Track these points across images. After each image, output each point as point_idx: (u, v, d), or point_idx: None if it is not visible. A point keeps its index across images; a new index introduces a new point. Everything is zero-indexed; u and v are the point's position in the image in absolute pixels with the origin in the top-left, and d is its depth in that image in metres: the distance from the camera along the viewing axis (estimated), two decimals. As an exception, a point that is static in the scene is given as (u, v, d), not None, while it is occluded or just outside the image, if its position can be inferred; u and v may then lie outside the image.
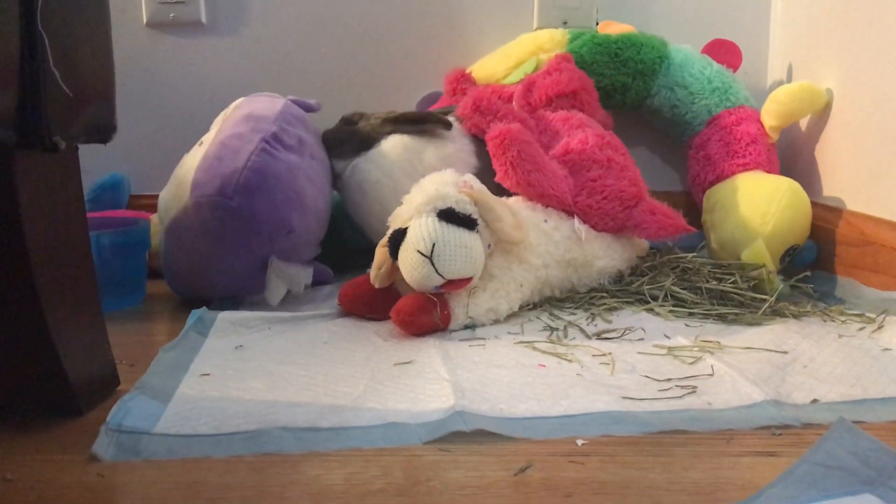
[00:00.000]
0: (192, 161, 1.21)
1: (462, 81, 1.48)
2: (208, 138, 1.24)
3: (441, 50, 1.62)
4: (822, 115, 1.43)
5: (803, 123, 1.52)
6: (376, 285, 1.11)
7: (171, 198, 1.21)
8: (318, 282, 1.31)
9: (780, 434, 0.75)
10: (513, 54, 1.52)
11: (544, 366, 0.93)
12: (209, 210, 1.13)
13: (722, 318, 1.11)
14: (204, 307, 1.13)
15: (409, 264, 1.03)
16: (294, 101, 1.32)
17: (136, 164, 1.53)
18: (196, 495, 0.64)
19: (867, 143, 1.30)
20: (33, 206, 0.72)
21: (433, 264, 1.01)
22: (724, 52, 1.52)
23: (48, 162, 0.73)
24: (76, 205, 0.79)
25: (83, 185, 0.81)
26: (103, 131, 0.78)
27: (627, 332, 1.05)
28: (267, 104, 1.27)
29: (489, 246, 1.09)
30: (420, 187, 1.09)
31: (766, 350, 0.96)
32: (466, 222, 1.04)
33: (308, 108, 1.34)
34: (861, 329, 1.05)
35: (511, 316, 1.13)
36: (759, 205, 1.30)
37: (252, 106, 1.27)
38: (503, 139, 1.20)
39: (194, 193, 1.15)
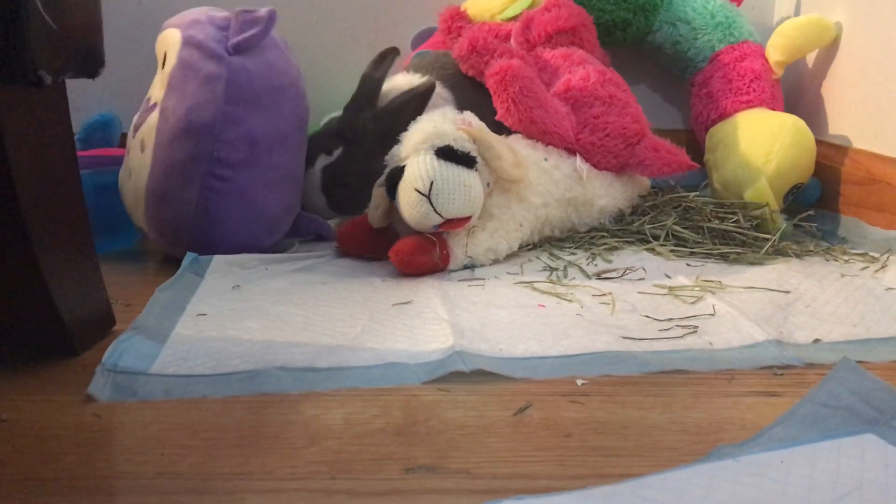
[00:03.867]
0: (138, 159, 1.11)
1: (457, 20, 1.44)
2: (155, 96, 1.13)
3: (438, -17, 1.57)
4: (830, 50, 1.40)
5: (810, 59, 1.49)
6: (374, 225, 1.10)
7: (132, 201, 1.14)
8: (319, 237, 1.25)
9: (782, 374, 0.74)
10: (510, -12, 1.48)
11: (544, 306, 0.92)
12: (170, 248, 1.13)
13: (724, 258, 1.10)
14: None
15: (407, 203, 1.01)
16: (239, 28, 1.10)
17: (128, 103, 1.50)
18: (193, 435, 0.63)
19: (876, 79, 1.28)
20: (20, 143, 0.70)
21: (431, 203, 1.00)
22: (728, -16, 1.48)
23: (33, 97, 0.71)
24: (65, 142, 0.77)
25: (74, 125, 0.79)
26: (90, 65, 0.75)
27: (628, 271, 1.04)
28: (204, 86, 1.07)
29: (488, 184, 1.07)
30: (418, 125, 1.07)
31: (769, 290, 0.96)
32: (465, 160, 1.02)
33: (254, 40, 1.09)
34: (864, 268, 1.04)
35: (510, 256, 1.12)
36: (762, 143, 1.28)
37: (186, 95, 1.07)
38: (504, 75, 1.17)
39: (151, 233, 1.12)
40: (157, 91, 1.13)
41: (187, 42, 1.10)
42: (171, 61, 1.10)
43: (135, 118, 1.18)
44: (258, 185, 1.11)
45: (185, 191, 1.07)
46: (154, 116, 1.10)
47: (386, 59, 1.30)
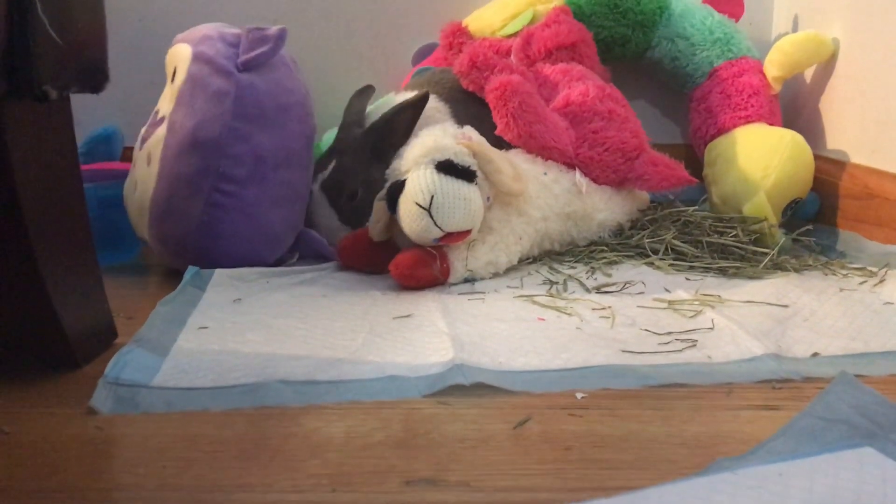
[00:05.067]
0: (144, 171, 1.12)
1: (458, 35, 1.45)
2: (164, 109, 1.14)
3: (439, -1, 1.58)
4: (828, 65, 1.41)
5: (808, 75, 1.50)
6: (375, 239, 1.10)
7: (136, 213, 1.14)
8: (320, 256, 1.22)
9: (781, 388, 0.75)
10: (510, 5, 1.49)
11: (544, 319, 0.92)
12: (172, 260, 1.14)
13: (723, 272, 1.10)
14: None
15: (408, 217, 1.02)
16: (249, 45, 1.11)
17: (130, 116, 1.51)
18: (194, 448, 0.64)
19: (873, 94, 1.28)
20: (24, 156, 0.70)
21: (432, 217, 1.00)
22: (725, 1, 1.49)
23: (39, 112, 0.72)
24: (69, 155, 0.78)
25: (76, 138, 0.79)
26: (95, 80, 0.76)
27: (627, 285, 1.05)
28: (212, 101, 1.08)
29: (488, 198, 1.08)
30: (418, 139, 1.08)
31: (767, 304, 0.96)
32: (465, 174, 1.03)
33: (264, 58, 1.11)
34: (862, 283, 1.05)
35: (510, 269, 1.12)
36: (760, 158, 1.28)
37: (195, 110, 1.08)
38: (504, 91, 1.18)
39: (155, 245, 1.13)
40: (165, 104, 1.15)
41: (197, 57, 1.11)
42: (181, 76, 1.12)
43: (142, 130, 1.19)
44: (263, 202, 1.12)
45: (190, 205, 1.08)
46: (162, 130, 1.11)
47: (365, 93, 1.33)
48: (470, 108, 1.28)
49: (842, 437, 0.61)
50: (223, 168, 1.08)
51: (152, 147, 1.12)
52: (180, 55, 1.14)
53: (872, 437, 0.61)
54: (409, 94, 1.28)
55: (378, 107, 1.30)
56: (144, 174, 1.12)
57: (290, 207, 1.16)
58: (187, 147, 1.08)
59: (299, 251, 1.22)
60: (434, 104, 1.27)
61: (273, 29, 1.13)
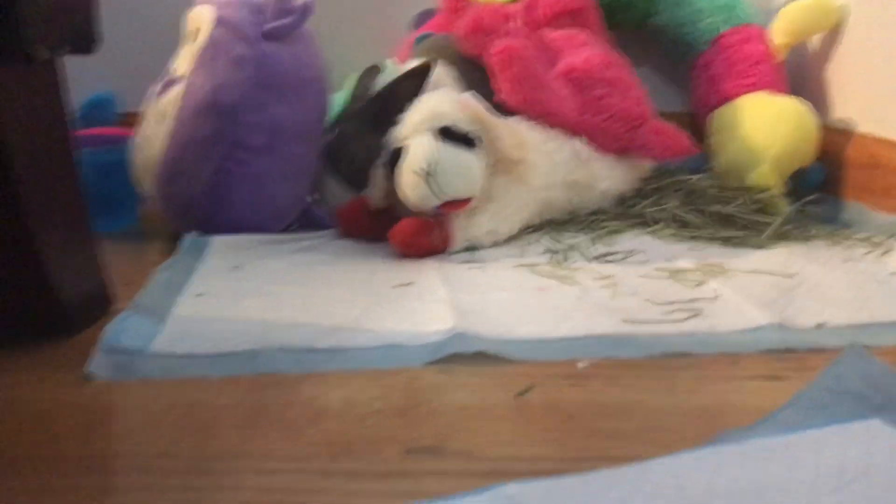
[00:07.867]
0: (154, 130, 1.11)
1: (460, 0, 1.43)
2: (182, 69, 1.13)
3: (440, -38, 1.56)
4: (834, 33, 1.39)
5: (814, 42, 1.48)
6: (375, 206, 1.09)
7: (142, 169, 1.13)
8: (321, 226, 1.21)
9: (785, 358, 0.74)
10: (514, -30, 1.46)
11: (545, 289, 0.91)
12: (175, 222, 1.13)
13: (726, 242, 1.09)
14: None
15: (408, 184, 1.00)
16: (274, 14, 1.11)
17: (125, 81, 1.49)
18: (192, 415, 0.63)
19: (881, 62, 1.27)
20: (14, 120, 0.69)
21: (431, 184, 0.99)
22: (731, -33, 1.47)
23: (29, 73, 0.70)
24: (62, 120, 0.76)
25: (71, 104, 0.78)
26: (86, 41, 0.75)
27: (630, 255, 1.03)
28: (233, 67, 1.08)
29: (489, 166, 1.06)
30: (418, 106, 1.06)
31: (772, 273, 0.95)
32: (465, 141, 1.02)
33: (288, 29, 1.11)
34: (868, 253, 1.04)
35: (511, 238, 1.11)
36: (765, 127, 1.27)
37: (215, 74, 1.08)
38: (506, 55, 1.16)
39: (159, 203, 1.12)
40: (183, 64, 1.14)
41: (221, 21, 1.10)
42: (203, 38, 1.11)
43: (156, 87, 1.17)
44: (273, 173, 1.11)
45: (201, 168, 1.08)
46: (179, 89, 1.10)
47: (371, 72, 1.29)
48: (478, 72, 1.25)
49: (850, 410, 0.60)
50: (238, 135, 1.08)
51: (167, 105, 1.11)
52: (203, 16, 1.13)
53: (881, 410, 0.60)
54: (414, 63, 1.26)
55: (384, 77, 1.27)
56: (156, 131, 1.11)
57: (298, 181, 1.16)
58: (204, 109, 1.07)
59: (301, 224, 1.21)
60: (443, 69, 1.25)
61: (300, 1, 1.12)
